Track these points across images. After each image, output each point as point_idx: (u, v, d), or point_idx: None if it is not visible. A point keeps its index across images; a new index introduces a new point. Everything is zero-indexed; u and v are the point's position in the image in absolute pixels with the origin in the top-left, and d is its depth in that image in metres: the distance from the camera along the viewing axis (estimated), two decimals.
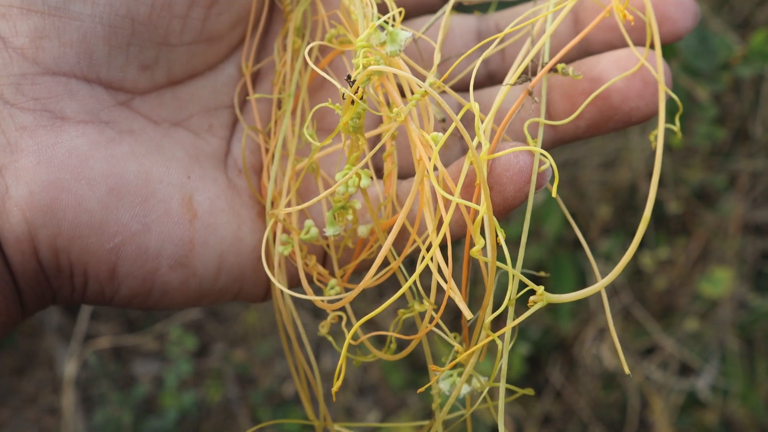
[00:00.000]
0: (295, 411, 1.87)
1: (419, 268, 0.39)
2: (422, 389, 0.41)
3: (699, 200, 1.82)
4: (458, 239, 0.44)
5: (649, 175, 1.78)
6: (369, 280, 0.41)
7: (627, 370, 0.40)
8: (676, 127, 0.47)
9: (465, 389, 0.44)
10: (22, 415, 1.89)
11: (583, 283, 1.79)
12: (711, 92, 1.20)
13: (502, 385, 0.41)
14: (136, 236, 0.43)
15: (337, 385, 0.39)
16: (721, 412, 1.75)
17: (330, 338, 0.46)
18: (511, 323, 0.40)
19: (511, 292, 0.40)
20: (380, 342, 1.96)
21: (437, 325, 0.44)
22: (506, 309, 0.41)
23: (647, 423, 1.79)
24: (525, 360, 1.82)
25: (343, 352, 0.39)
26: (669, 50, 1.13)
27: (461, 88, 0.50)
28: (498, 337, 0.40)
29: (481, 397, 0.44)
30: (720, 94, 1.69)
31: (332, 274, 0.48)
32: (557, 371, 1.84)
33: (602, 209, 1.78)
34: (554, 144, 0.48)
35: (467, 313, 0.39)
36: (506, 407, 1.76)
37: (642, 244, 1.83)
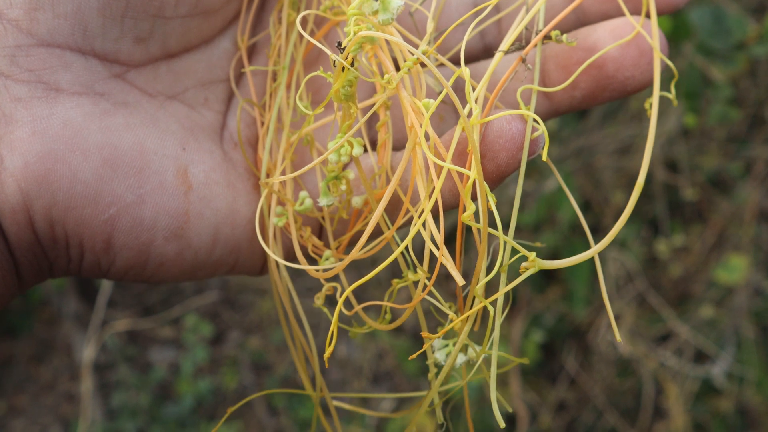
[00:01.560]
0: (310, 397, 1.88)
1: (411, 233, 0.39)
2: (414, 356, 0.41)
3: (714, 187, 1.81)
4: (451, 208, 0.44)
5: (665, 162, 1.78)
6: (361, 247, 0.41)
7: (618, 337, 0.40)
8: (671, 95, 0.47)
9: (460, 359, 0.44)
10: (39, 401, 1.92)
11: (596, 271, 1.78)
12: (726, 74, 1.19)
13: (494, 353, 0.41)
14: (131, 207, 0.43)
15: (329, 351, 0.39)
16: (736, 400, 1.74)
17: (325, 309, 0.46)
18: (503, 289, 0.40)
19: (503, 259, 0.40)
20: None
21: (431, 294, 0.44)
22: (499, 276, 0.41)
23: (662, 410, 1.78)
24: (540, 347, 1.82)
25: (335, 319, 0.40)
26: (684, 30, 1.12)
27: (456, 60, 0.50)
28: (490, 303, 0.40)
29: (476, 367, 0.44)
30: (736, 79, 1.68)
31: (327, 246, 0.48)
32: (572, 358, 1.83)
33: (617, 196, 1.77)
34: (549, 115, 0.48)
35: (459, 280, 0.39)
36: (521, 394, 1.76)
37: (657, 231, 1.82)
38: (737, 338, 1.70)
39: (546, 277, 1.89)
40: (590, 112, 1.83)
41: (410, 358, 0.40)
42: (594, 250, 0.40)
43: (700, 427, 1.79)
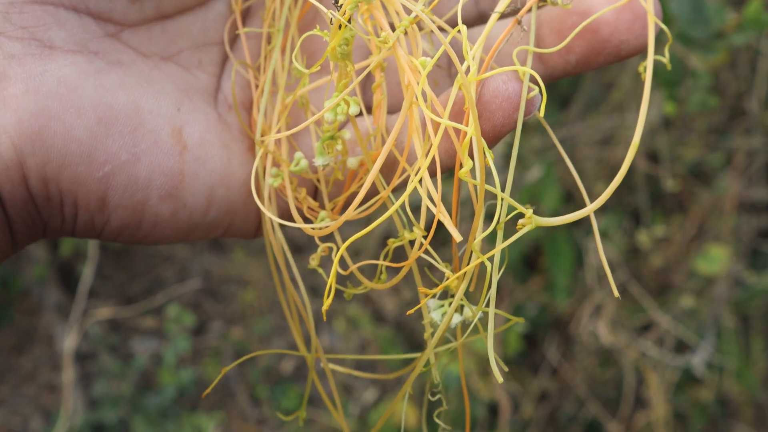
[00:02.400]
0: (293, 387, 1.88)
1: (408, 189, 0.39)
2: (411, 311, 0.41)
3: (695, 178, 1.83)
4: (449, 170, 0.44)
5: (647, 153, 1.79)
6: (356, 207, 0.41)
7: (614, 290, 0.40)
8: (665, 59, 0.47)
9: (456, 319, 0.44)
10: (21, 392, 1.90)
11: (579, 261, 1.79)
12: (707, 64, 1.20)
13: (491, 310, 0.41)
14: (125, 166, 0.43)
15: (326, 304, 0.39)
16: (716, 389, 1.76)
17: (320, 270, 0.46)
18: (499, 245, 0.40)
19: (500, 215, 0.40)
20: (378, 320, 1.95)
21: (427, 253, 0.44)
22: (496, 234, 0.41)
23: (643, 399, 1.80)
24: (522, 337, 1.82)
25: (333, 270, 0.40)
26: (663, 19, 1.13)
27: (452, 25, 0.50)
28: (487, 259, 0.40)
29: (471, 326, 0.45)
30: (716, 70, 1.69)
31: (323, 207, 0.49)
32: (554, 348, 1.84)
33: (599, 186, 1.78)
34: (545, 80, 0.48)
35: (456, 236, 0.39)
36: (503, 385, 1.77)
37: (638, 222, 1.83)
38: (717, 328, 1.72)
39: (528, 267, 1.90)
40: (572, 103, 1.84)
41: (408, 313, 0.40)
42: (590, 208, 0.40)
43: (681, 416, 1.80)
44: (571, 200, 1.85)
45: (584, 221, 1.85)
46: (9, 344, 1.96)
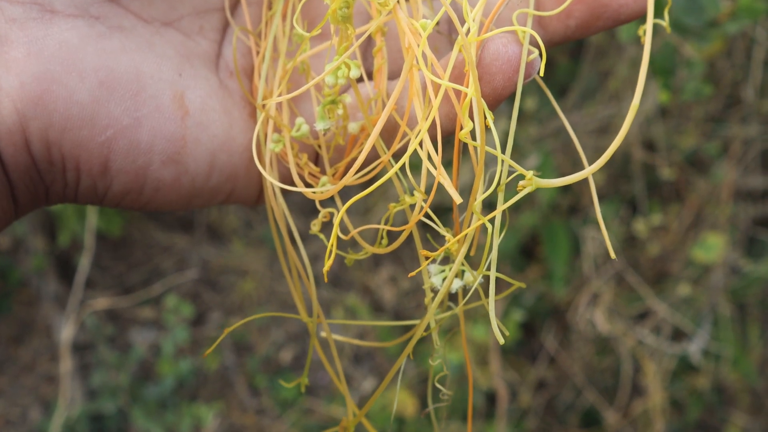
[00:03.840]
0: (291, 377, 1.88)
1: (408, 151, 0.40)
2: (413, 274, 0.42)
3: (692, 167, 1.83)
4: (449, 134, 0.44)
5: (643, 142, 1.79)
6: (356, 170, 0.42)
7: (612, 254, 0.40)
8: (665, 23, 0.48)
9: (457, 284, 0.44)
10: (19, 382, 1.90)
11: (576, 251, 1.80)
12: (702, 53, 1.21)
13: (492, 273, 0.41)
14: (127, 130, 0.43)
15: (328, 265, 0.40)
16: (713, 377, 1.76)
17: (321, 236, 0.47)
18: (500, 207, 0.40)
19: (500, 177, 0.41)
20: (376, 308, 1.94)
21: (428, 216, 0.44)
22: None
23: (640, 387, 1.80)
24: (519, 326, 1.83)
25: (333, 236, 0.40)
26: (657, 6, 1.13)
27: None
28: (488, 221, 0.40)
29: (472, 290, 0.45)
30: (712, 60, 1.70)
31: (324, 173, 0.49)
32: (551, 337, 1.85)
33: (595, 175, 1.79)
34: (545, 45, 0.48)
35: (456, 198, 0.39)
36: (501, 373, 1.77)
37: (635, 211, 1.84)
38: (714, 316, 1.73)
39: (526, 256, 1.91)
40: (569, 92, 1.85)
41: (409, 275, 0.40)
42: (589, 170, 0.40)
43: (678, 404, 1.81)
44: (567, 189, 1.86)
45: (581, 209, 1.85)
46: (7, 335, 1.96)
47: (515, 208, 1.82)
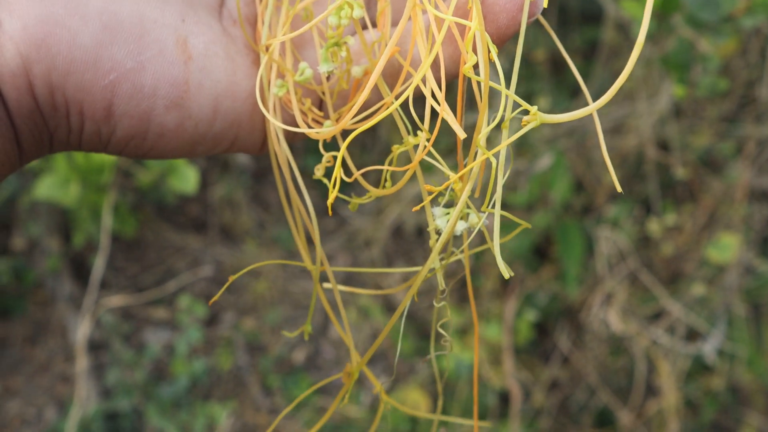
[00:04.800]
0: (304, 377, 1.88)
1: (411, 86, 0.39)
2: (416, 208, 0.41)
3: (706, 167, 1.83)
4: (453, 75, 0.44)
5: (657, 142, 1.79)
6: (359, 107, 0.41)
7: (617, 185, 0.40)
8: None
9: (461, 226, 0.43)
10: (35, 382, 1.92)
11: (590, 251, 1.80)
12: (717, 48, 1.21)
13: (497, 211, 0.40)
14: (130, 74, 0.43)
15: (332, 197, 0.39)
16: (727, 377, 1.76)
17: (325, 180, 0.46)
18: (505, 142, 0.40)
19: (504, 112, 0.40)
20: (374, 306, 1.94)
21: (431, 156, 0.43)
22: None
23: (654, 387, 1.80)
24: (533, 326, 1.83)
25: (337, 165, 0.39)
26: (673, 2, 1.13)
27: None
28: (492, 157, 0.40)
29: (476, 230, 0.44)
30: (727, 59, 1.69)
31: (327, 118, 0.48)
32: (564, 337, 1.85)
33: (609, 176, 1.78)
34: None
35: (460, 133, 0.39)
36: (514, 373, 1.77)
37: (649, 211, 1.83)
38: (728, 316, 1.72)
39: (539, 256, 1.90)
40: (581, 92, 1.85)
41: (414, 209, 0.40)
42: (593, 106, 0.40)
43: (692, 404, 1.80)
44: (581, 189, 1.86)
45: (595, 209, 1.85)
46: (23, 335, 1.97)
47: (528, 208, 1.82)
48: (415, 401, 1.73)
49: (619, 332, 1.74)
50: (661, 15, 1.16)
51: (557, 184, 1.70)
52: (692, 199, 1.84)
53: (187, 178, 1.49)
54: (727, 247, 1.68)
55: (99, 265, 1.68)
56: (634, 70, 1.73)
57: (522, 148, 1.80)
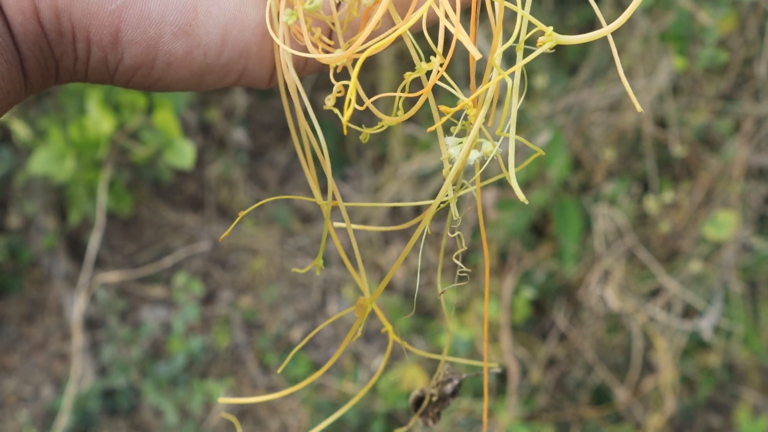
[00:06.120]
0: (302, 356, 1.88)
1: (424, 6, 0.39)
2: (430, 129, 0.41)
3: (703, 144, 1.83)
4: (466, 5, 0.43)
5: (655, 119, 1.79)
6: (370, 31, 0.41)
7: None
8: None
9: (474, 155, 0.42)
10: (31, 361, 1.91)
11: (587, 228, 1.80)
12: (715, 18, 1.20)
13: (512, 135, 0.40)
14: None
15: (347, 115, 0.39)
16: (723, 355, 1.76)
17: (336, 111, 0.45)
18: (519, 63, 0.39)
19: (519, 34, 0.39)
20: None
21: (444, 80, 0.42)
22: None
23: (651, 364, 1.81)
24: (530, 304, 1.83)
25: (353, 81, 0.39)
26: None
27: None
28: (507, 78, 0.39)
29: (490, 158, 0.43)
30: (725, 37, 1.69)
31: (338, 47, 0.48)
32: (562, 315, 1.85)
33: (607, 153, 1.78)
34: None
35: (475, 53, 0.38)
36: (512, 350, 1.78)
37: (646, 188, 1.83)
38: (725, 293, 1.73)
39: (536, 234, 1.90)
40: (579, 70, 1.84)
41: (428, 130, 0.39)
42: (609, 28, 0.39)
43: (689, 381, 1.81)
44: (579, 166, 1.86)
45: (592, 188, 1.85)
46: (19, 314, 1.97)
47: (527, 186, 1.82)
48: (413, 377, 1.74)
49: (616, 309, 1.74)
50: None
51: (555, 161, 1.70)
52: (689, 177, 1.84)
53: (183, 153, 1.48)
54: (724, 225, 1.68)
55: (94, 241, 1.67)
56: (632, 47, 1.73)
57: (520, 124, 1.80)
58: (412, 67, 0.45)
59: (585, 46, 1.87)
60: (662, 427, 1.75)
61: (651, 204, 1.78)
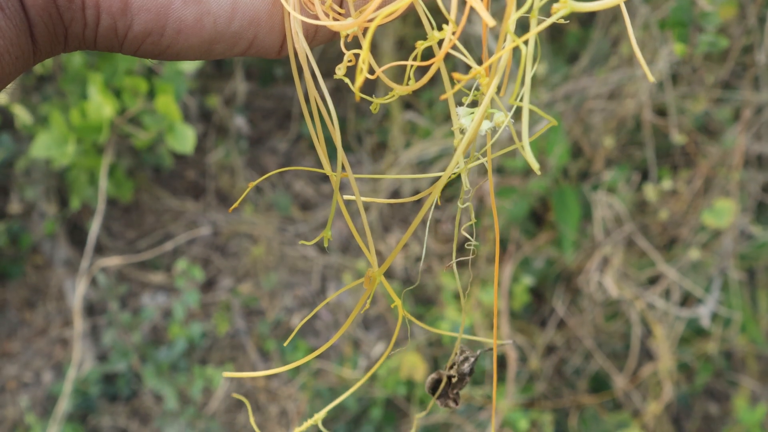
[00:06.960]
0: (301, 342, 1.89)
1: None
2: (443, 97, 0.40)
3: (703, 132, 1.83)
4: None
5: (654, 107, 1.79)
6: (380, 4, 0.41)
7: (652, 78, 0.40)
8: None
9: (486, 125, 0.42)
10: (32, 346, 1.92)
11: (587, 215, 1.80)
12: (715, 4, 1.20)
13: (526, 103, 0.39)
14: None
15: (360, 81, 0.39)
16: (722, 342, 1.77)
17: (347, 80, 0.45)
18: (534, 30, 0.39)
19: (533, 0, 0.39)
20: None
21: (456, 49, 0.42)
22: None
23: (649, 351, 1.81)
24: (529, 291, 1.84)
25: (366, 47, 0.39)
26: None
27: None
28: (521, 45, 0.39)
29: (502, 128, 0.43)
30: (725, 25, 1.69)
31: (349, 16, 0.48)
32: (561, 302, 1.86)
33: (606, 140, 1.79)
34: None
35: (489, 20, 0.38)
36: (510, 337, 1.78)
37: (646, 176, 1.84)
38: (723, 281, 1.73)
39: (536, 221, 1.91)
40: (580, 57, 1.85)
41: (441, 98, 0.39)
42: None
43: (687, 368, 1.82)
44: (579, 154, 1.86)
45: (590, 176, 1.86)
46: (20, 299, 1.98)
47: (526, 173, 1.82)
48: (412, 364, 1.74)
49: (615, 297, 1.75)
50: None
51: (554, 149, 1.71)
52: (689, 165, 1.85)
53: (184, 138, 1.48)
54: (723, 213, 1.69)
55: (95, 227, 1.67)
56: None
57: (519, 111, 1.80)
58: (413, 54, 0.44)
59: (585, 36, 1.87)
60: (660, 415, 1.76)
61: (650, 191, 1.78)
